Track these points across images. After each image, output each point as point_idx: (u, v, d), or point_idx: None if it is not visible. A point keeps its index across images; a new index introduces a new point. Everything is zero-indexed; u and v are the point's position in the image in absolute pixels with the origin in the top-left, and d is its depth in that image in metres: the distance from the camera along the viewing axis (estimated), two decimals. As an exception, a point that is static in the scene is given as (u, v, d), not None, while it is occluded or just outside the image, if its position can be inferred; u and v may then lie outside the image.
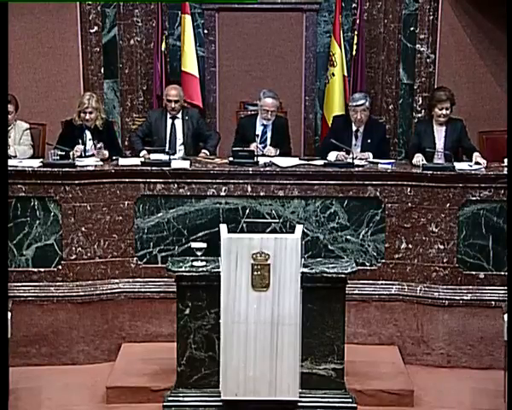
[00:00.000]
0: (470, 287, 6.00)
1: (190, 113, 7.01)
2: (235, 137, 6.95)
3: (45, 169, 5.96)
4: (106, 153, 6.47)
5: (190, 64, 7.61)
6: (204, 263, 5.26)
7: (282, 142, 6.83)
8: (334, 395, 5.26)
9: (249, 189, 6.01)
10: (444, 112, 6.48)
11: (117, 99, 7.78)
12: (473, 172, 6.00)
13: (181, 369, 5.27)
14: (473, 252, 5.99)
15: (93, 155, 6.52)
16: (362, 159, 6.30)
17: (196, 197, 6.02)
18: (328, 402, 5.25)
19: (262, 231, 5.47)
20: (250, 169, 6.04)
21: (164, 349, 5.70)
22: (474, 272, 6.00)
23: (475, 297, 5.98)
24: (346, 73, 7.62)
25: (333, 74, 7.64)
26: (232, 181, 6.01)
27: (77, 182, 5.93)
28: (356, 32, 7.59)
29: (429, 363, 6.03)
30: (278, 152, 6.66)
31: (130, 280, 6.06)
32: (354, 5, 7.71)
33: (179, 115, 6.94)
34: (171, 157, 6.21)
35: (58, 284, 5.97)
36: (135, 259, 6.06)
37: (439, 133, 6.55)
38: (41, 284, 5.97)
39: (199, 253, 5.27)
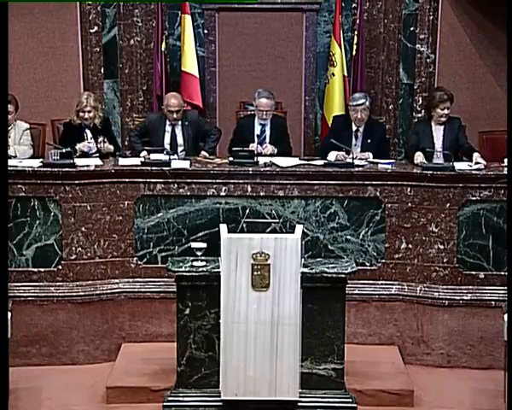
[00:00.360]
0: (470, 287, 5.99)
1: (189, 117, 6.96)
2: (232, 138, 6.94)
3: (45, 169, 5.96)
4: (111, 147, 6.52)
5: (190, 64, 7.61)
6: (204, 263, 5.26)
7: (281, 141, 6.83)
8: (334, 395, 5.26)
9: (249, 189, 6.01)
10: (445, 111, 6.50)
11: (117, 99, 7.78)
12: (473, 172, 6.00)
13: (181, 369, 5.27)
14: (473, 252, 5.99)
15: (97, 153, 6.54)
16: (362, 159, 6.30)
17: (196, 197, 6.02)
18: (328, 402, 5.25)
19: (262, 231, 5.46)
20: (250, 169, 6.04)
21: (164, 349, 5.70)
22: (474, 272, 6.00)
23: (475, 297, 5.98)
24: (346, 73, 7.63)
25: (333, 74, 7.65)
26: (232, 181, 6.01)
27: (77, 182, 5.93)
28: (356, 32, 7.60)
29: (429, 363, 6.03)
30: (276, 151, 6.65)
31: (130, 280, 6.06)
32: (354, 5, 7.72)
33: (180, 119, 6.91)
34: (171, 157, 6.20)
35: (58, 284, 5.97)
36: (135, 259, 6.06)
37: (438, 133, 6.56)
38: (41, 283, 5.96)
39: (199, 253, 5.27)
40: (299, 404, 5.24)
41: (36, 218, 5.93)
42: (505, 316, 5.26)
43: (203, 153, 6.78)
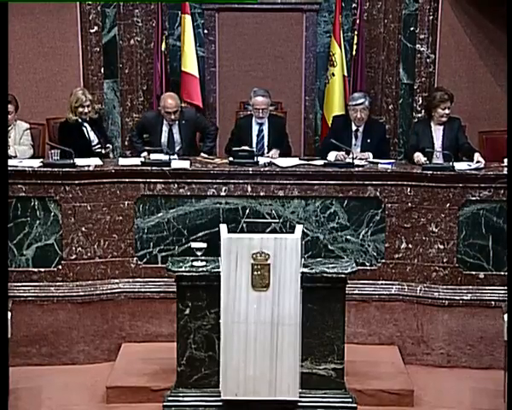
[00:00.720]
0: (470, 287, 5.99)
1: (186, 115, 6.96)
2: (230, 139, 6.93)
3: (45, 169, 5.96)
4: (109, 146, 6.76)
5: (190, 64, 7.61)
6: (204, 263, 5.26)
7: (280, 141, 6.82)
8: (334, 394, 5.26)
9: (249, 189, 6.01)
10: (446, 111, 6.51)
11: (117, 99, 7.77)
12: (472, 172, 6.00)
13: (181, 369, 5.27)
14: (473, 252, 5.99)
15: (100, 148, 6.62)
16: (362, 159, 6.30)
17: (196, 197, 6.02)
18: (328, 402, 5.25)
19: (262, 231, 5.47)
20: (250, 169, 6.04)
21: (164, 349, 5.70)
22: (473, 272, 6.00)
23: (475, 297, 5.98)
24: (346, 73, 7.62)
25: (333, 74, 7.64)
26: (232, 181, 6.01)
27: (77, 182, 5.93)
28: (356, 32, 7.59)
29: (429, 363, 6.03)
30: (278, 153, 6.65)
31: (131, 280, 6.06)
32: (354, 5, 7.71)
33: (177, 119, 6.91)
34: (171, 157, 6.20)
35: (58, 283, 5.97)
36: (135, 259, 6.06)
37: (438, 133, 6.56)
38: (41, 283, 5.97)
39: (199, 253, 5.27)
40: (299, 404, 5.24)
41: (36, 218, 5.93)
42: (505, 316, 5.26)
43: (202, 155, 6.77)
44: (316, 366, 5.25)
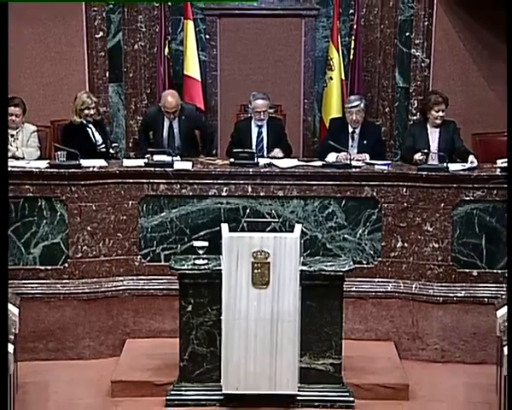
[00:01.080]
0: (464, 284, 5.98)
1: (186, 111, 6.94)
2: (230, 142, 6.92)
3: (52, 170, 5.95)
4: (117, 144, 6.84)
5: (192, 68, 7.61)
6: (206, 261, 5.26)
7: (280, 143, 6.81)
8: (331, 389, 5.26)
9: (249, 189, 6.00)
10: (440, 114, 6.49)
11: (121, 102, 7.77)
12: (466, 173, 5.99)
13: (183, 364, 5.27)
14: (466, 250, 5.98)
15: (105, 148, 6.66)
16: (359, 160, 6.29)
17: (198, 197, 6.01)
18: (326, 396, 5.25)
19: (262, 231, 5.47)
20: (250, 170, 6.03)
21: (167, 345, 5.69)
22: (467, 270, 5.99)
23: (469, 294, 5.97)
24: (343, 77, 7.62)
25: (331, 78, 7.64)
26: (233, 182, 6.00)
27: (82, 182, 5.92)
28: (353, 37, 7.59)
29: (424, 358, 6.02)
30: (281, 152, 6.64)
31: (134, 278, 6.05)
32: (351, 11, 7.70)
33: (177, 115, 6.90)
34: (174, 158, 6.19)
35: (64, 281, 5.96)
36: (139, 257, 6.05)
37: (433, 135, 6.55)
38: (48, 281, 5.96)
39: (201, 251, 5.27)
40: (298, 398, 5.24)
41: (43, 217, 5.92)
42: (497, 312, 5.26)
43: (201, 156, 6.77)
44: (314, 361, 5.25)
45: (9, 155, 6.33)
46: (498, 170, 6.01)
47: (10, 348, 4.69)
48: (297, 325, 5.15)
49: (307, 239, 5.94)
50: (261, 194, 6.00)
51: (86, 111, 6.65)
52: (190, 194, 6.01)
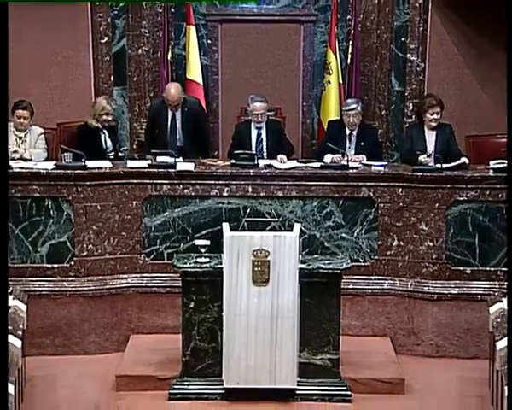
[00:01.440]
0: (458, 282, 5.98)
1: (189, 103, 6.95)
2: (231, 144, 6.91)
3: (58, 171, 5.95)
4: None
5: (195, 72, 7.61)
6: (207, 259, 5.25)
7: (281, 144, 6.80)
8: (329, 383, 5.26)
9: (250, 189, 6.00)
10: (435, 116, 6.48)
11: (126, 105, 7.76)
12: (460, 173, 5.99)
13: (186, 359, 5.27)
14: (460, 249, 5.98)
15: (114, 155, 6.69)
16: (356, 161, 6.28)
17: (200, 197, 6.01)
18: (324, 390, 5.25)
19: (262, 230, 5.46)
20: (251, 171, 6.03)
21: (170, 341, 5.67)
22: (461, 268, 5.98)
23: (462, 291, 5.97)
24: (341, 81, 7.61)
25: (329, 82, 7.63)
26: (234, 182, 6.00)
27: (88, 183, 5.92)
28: (350, 42, 7.59)
29: (419, 353, 6.02)
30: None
31: (138, 275, 6.05)
32: (349, 17, 7.69)
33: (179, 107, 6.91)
34: (177, 160, 6.18)
35: (70, 279, 5.96)
36: (142, 255, 6.05)
37: (430, 137, 6.54)
38: (55, 279, 5.95)
39: (203, 250, 5.27)
40: (297, 392, 5.23)
41: (50, 217, 5.92)
42: (490, 309, 5.26)
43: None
44: (313, 356, 5.24)
45: (17, 156, 6.35)
46: (491, 171, 6.01)
47: (18, 343, 4.71)
48: (296, 322, 5.14)
49: (306, 238, 5.93)
50: (261, 194, 6.00)
51: (104, 117, 6.65)
52: (192, 194, 6.00)
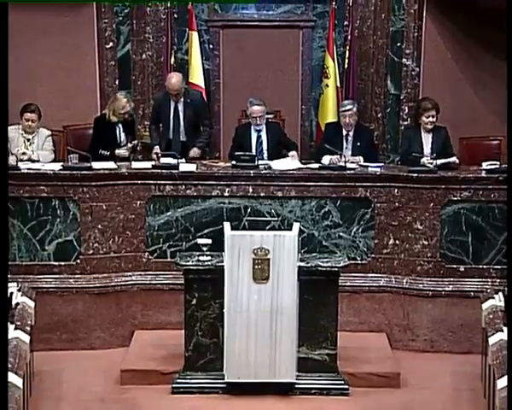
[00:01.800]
0: (451, 279, 5.98)
1: (192, 95, 6.97)
2: (232, 145, 6.91)
3: (65, 172, 5.95)
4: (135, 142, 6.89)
5: (197, 76, 7.61)
6: (209, 258, 5.25)
7: (283, 143, 6.80)
8: (328, 377, 5.26)
9: (250, 190, 6.00)
10: (430, 119, 6.50)
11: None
12: (454, 174, 5.99)
13: (188, 354, 5.27)
14: (454, 247, 5.98)
15: (126, 146, 6.76)
16: (353, 162, 6.28)
17: (202, 198, 6.01)
18: (322, 384, 5.25)
19: (262, 229, 5.46)
20: (251, 172, 6.02)
21: (173, 336, 5.67)
22: (455, 266, 5.98)
23: (456, 288, 5.97)
24: (338, 84, 7.62)
25: (327, 85, 7.64)
26: (235, 183, 5.99)
27: (94, 183, 5.92)
28: (348, 47, 7.59)
29: (414, 348, 6.02)
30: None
31: (142, 273, 6.04)
32: (346, 23, 7.69)
33: (181, 97, 6.91)
34: (179, 161, 6.19)
35: (77, 276, 5.96)
36: (146, 254, 6.05)
37: (427, 139, 6.56)
38: (61, 276, 5.95)
39: (204, 248, 5.27)
40: (296, 386, 5.24)
41: (57, 216, 5.92)
42: (483, 305, 5.26)
43: (194, 149, 6.78)
44: (311, 351, 5.24)
45: (26, 158, 6.36)
46: (484, 172, 6.02)
47: (27, 338, 4.71)
48: (295, 318, 5.14)
49: (305, 237, 5.93)
50: (261, 194, 6.00)
51: (122, 111, 6.72)
52: (194, 194, 6.00)
